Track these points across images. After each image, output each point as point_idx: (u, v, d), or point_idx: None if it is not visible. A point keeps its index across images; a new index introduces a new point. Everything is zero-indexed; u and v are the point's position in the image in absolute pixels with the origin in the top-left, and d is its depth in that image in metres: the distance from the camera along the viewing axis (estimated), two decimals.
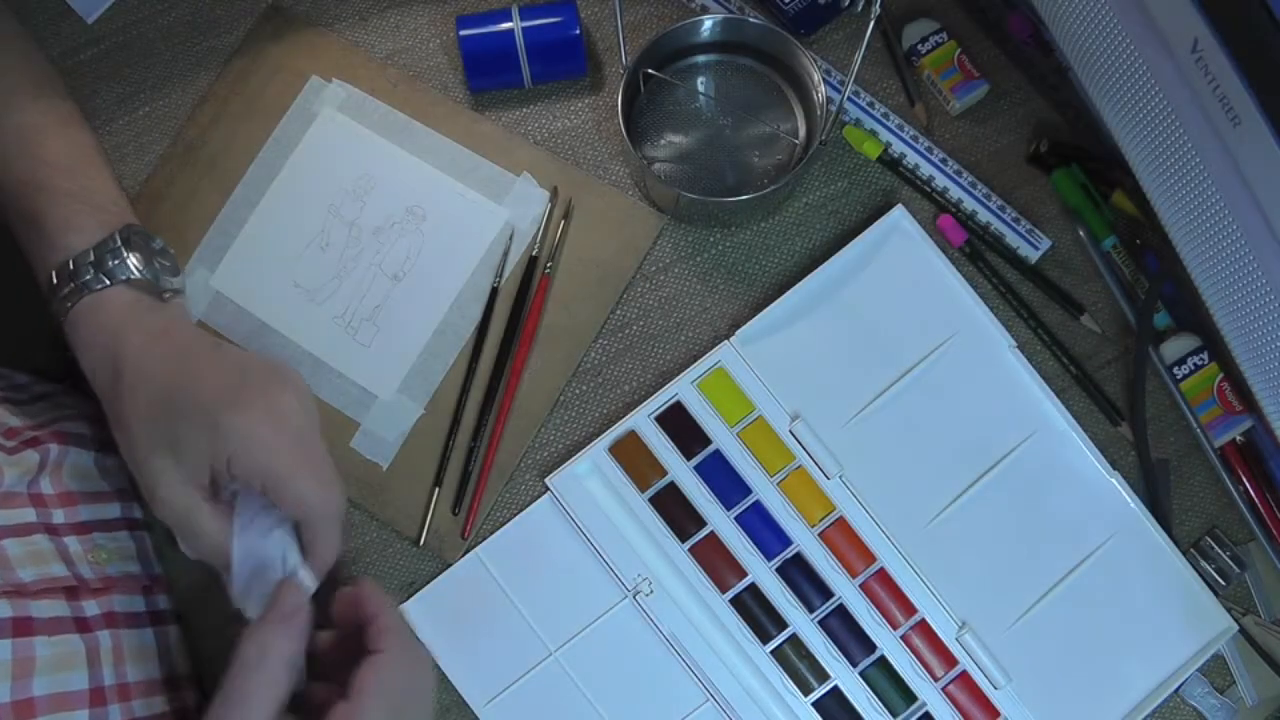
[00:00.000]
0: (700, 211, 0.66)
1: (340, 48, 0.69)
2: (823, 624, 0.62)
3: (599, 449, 0.63)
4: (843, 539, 0.63)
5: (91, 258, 0.56)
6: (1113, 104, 0.57)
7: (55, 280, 0.56)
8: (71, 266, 0.56)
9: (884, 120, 0.68)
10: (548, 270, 0.66)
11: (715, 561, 0.63)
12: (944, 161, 0.67)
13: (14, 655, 0.48)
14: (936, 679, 0.62)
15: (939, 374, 0.65)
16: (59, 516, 0.57)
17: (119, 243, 0.56)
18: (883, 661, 0.62)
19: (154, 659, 0.58)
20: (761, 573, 0.62)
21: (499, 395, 0.65)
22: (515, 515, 0.64)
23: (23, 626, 0.49)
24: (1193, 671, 0.62)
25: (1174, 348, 0.65)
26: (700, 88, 0.68)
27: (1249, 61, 0.46)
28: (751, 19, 0.66)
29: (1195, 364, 0.64)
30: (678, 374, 0.64)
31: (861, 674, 0.62)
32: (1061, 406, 0.64)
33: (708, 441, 0.64)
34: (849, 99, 0.68)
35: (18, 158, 0.59)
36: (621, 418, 0.64)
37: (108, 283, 0.56)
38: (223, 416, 0.51)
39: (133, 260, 0.56)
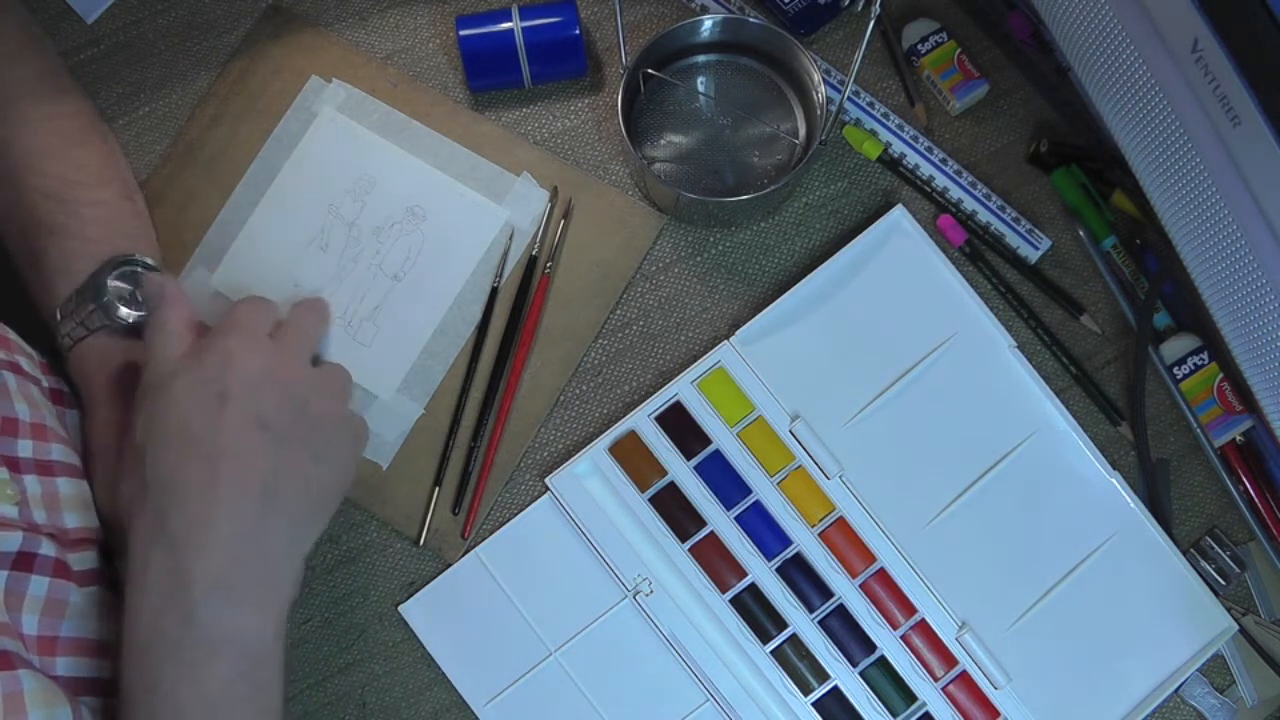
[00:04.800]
0: (700, 211, 0.66)
1: (340, 48, 0.69)
2: (823, 624, 0.62)
3: (599, 449, 0.63)
4: (843, 539, 0.63)
5: (74, 304, 0.57)
6: (1113, 104, 0.57)
7: (53, 327, 0.57)
8: (59, 315, 0.57)
9: (884, 120, 0.68)
10: (548, 270, 0.66)
11: (715, 561, 0.63)
12: (944, 161, 0.67)
13: (49, 594, 0.49)
14: (936, 679, 0.62)
15: (939, 374, 0.65)
16: None
17: (95, 285, 0.57)
18: (883, 661, 0.62)
19: None
20: (761, 573, 0.62)
21: (499, 395, 0.65)
22: (515, 515, 0.64)
23: (62, 569, 0.50)
24: (1193, 671, 0.62)
25: (1174, 348, 0.65)
26: (700, 88, 0.68)
27: (1249, 61, 0.46)
28: (751, 19, 0.66)
29: (1195, 364, 0.64)
30: (678, 374, 0.64)
31: (861, 674, 0.62)
32: (1061, 406, 0.64)
33: (708, 441, 0.64)
34: (849, 99, 0.68)
35: (22, 191, 0.59)
36: (621, 418, 0.64)
37: (85, 333, 0.57)
38: None
39: (110, 302, 0.57)
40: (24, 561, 0.48)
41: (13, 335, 0.56)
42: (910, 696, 0.62)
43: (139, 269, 0.58)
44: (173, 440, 0.49)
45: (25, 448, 0.51)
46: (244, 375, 0.50)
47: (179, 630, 0.46)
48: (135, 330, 0.58)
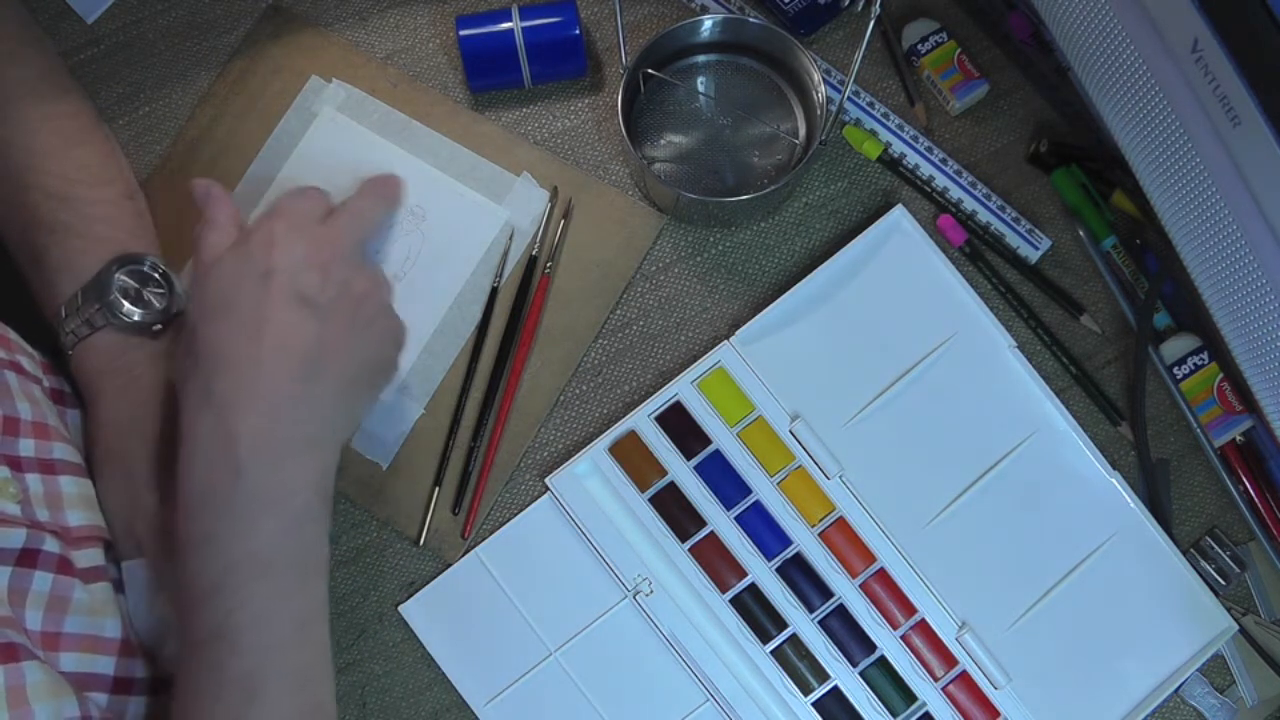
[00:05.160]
0: (700, 211, 0.66)
1: (340, 48, 0.69)
2: (823, 624, 0.62)
3: (599, 449, 0.63)
4: (843, 539, 0.63)
5: (79, 302, 0.57)
6: (1113, 104, 0.57)
7: (56, 324, 0.57)
8: (64, 313, 0.57)
9: (884, 120, 0.68)
10: (548, 270, 0.66)
11: (715, 561, 0.63)
12: (944, 161, 0.67)
13: (52, 591, 0.49)
14: (936, 679, 0.62)
15: (939, 374, 0.65)
16: None
17: (101, 283, 0.57)
18: (883, 661, 0.62)
19: None
20: (761, 573, 0.62)
21: (499, 395, 0.65)
22: (515, 515, 0.64)
23: (65, 566, 0.50)
24: (1193, 671, 0.62)
25: (1174, 348, 0.65)
26: (700, 88, 0.68)
27: (1249, 61, 0.46)
28: (751, 19, 0.66)
29: (1195, 364, 0.64)
30: (678, 374, 0.64)
31: (861, 674, 0.62)
32: (1061, 406, 0.64)
33: (708, 441, 0.64)
34: (849, 99, 0.68)
35: (23, 189, 0.59)
36: (621, 418, 0.64)
37: (90, 330, 0.57)
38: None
39: (115, 300, 0.57)
40: (27, 558, 0.48)
41: (14, 335, 0.56)
42: (910, 696, 0.62)
43: (144, 267, 0.58)
44: (218, 313, 0.51)
45: (27, 447, 0.52)
46: (287, 256, 0.52)
47: (229, 486, 0.48)
48: (139, 328, 0.58)
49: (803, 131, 0.67)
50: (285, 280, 0.52)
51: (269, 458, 0.49)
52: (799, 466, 0.64)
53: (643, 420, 0.64)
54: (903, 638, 0.62)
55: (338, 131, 0.68)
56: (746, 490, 0.63)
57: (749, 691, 0.61)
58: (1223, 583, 0.64)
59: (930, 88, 0.69)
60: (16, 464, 0.51)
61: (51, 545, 0.50)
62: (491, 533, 0.63)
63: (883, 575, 0.63)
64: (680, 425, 0.64)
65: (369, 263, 0.58)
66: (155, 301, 0.58)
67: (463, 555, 0.63)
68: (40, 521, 0.50)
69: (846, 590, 0.62)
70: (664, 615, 0.62)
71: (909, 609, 0.62)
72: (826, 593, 0.62)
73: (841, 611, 0.62)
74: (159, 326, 0.58)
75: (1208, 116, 0.50)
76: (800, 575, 0.63)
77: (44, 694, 0.44)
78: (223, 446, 0.49)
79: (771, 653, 0.62)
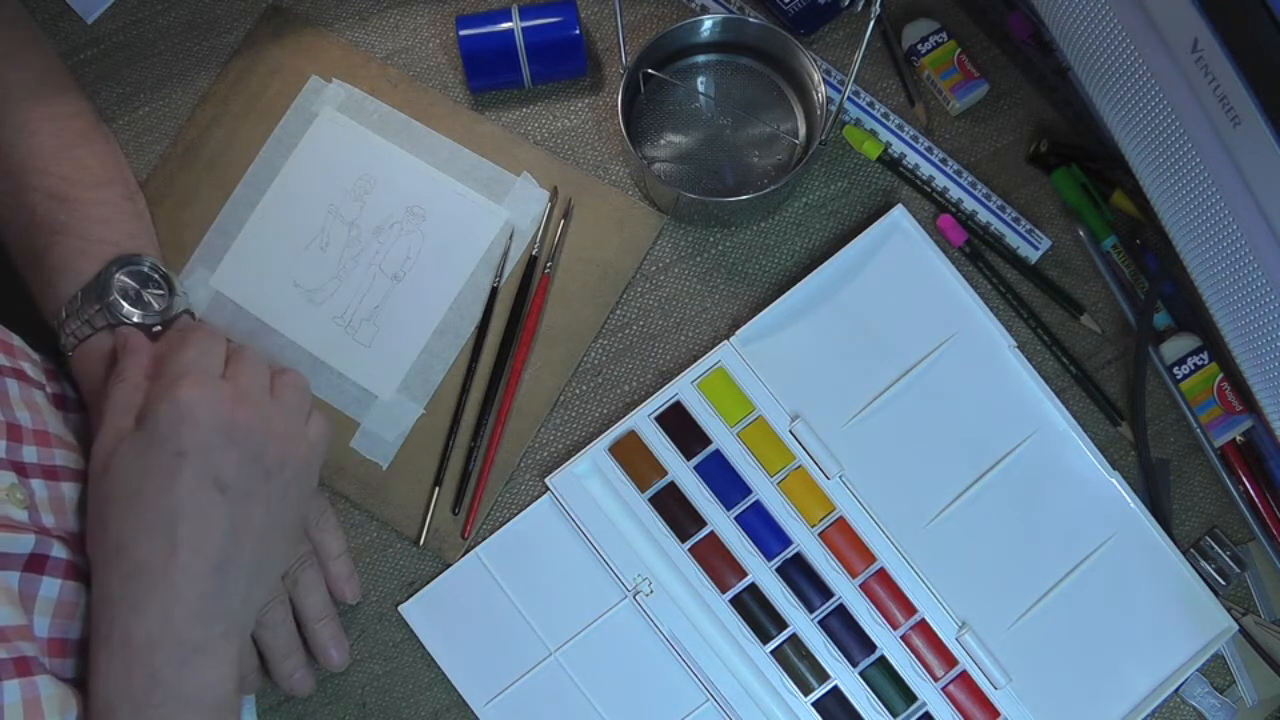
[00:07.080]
0: (700, 211, 0.66)
1: (340, 48, 0.69)
2: (823, 624, 0.62)
3: (599, 449, 0.63)
4: (843, 539, 0.63)
5: (79, 303, 0.57)
6: (1113, 104, 0.57)
7: (56, 326, 0.57)
8: (64, 314, 0.57)
9: (884, 120, 0.68)
10: (548, 270, 0.66)
11: (715, 561, 0.63)
12: (944, 161, 0.67)
13: (60, 596, 0.49)
14: (936, 679, 0.62)
15: (939, 374, 0.65)
16: None
17: (100, 284, 0.57)
18: (883, 661, 0.62)
19: None
20: (761, 573, 0.62)
21: (499, 395, 0.65)
22: (515, 515, 0.64)
23: (73, 571, 0.50)
24: (1193, 671, 0.62)
25: (1174, 348, 0.65)
26: (700, 88, 0.68)
27: (1249, 61, 0.46)
28: (751, 19, 0.66)
29: (1195, 364, 0.64)
30: (678, 374, 0.64)
31: (861, 674, 0.62)
32: (1061, 406, 0.64)
33: (708, 441, 0.64)
34: (849, 99, 0.68)
35: (23, 190, 0.59)
36: (621, 418, 0.64)
37: (90, 331, 0.56)
38: None
39: (115, 301, 0.56)
40: (35, 563, 0.48)
41: (17, 341, 0.56)
42: (910, 696, 0.62)
43: (143, 268, 0.58)
44: (128, 507, 0.48)
45: (30, 453, 0.51)
46: (199, 431, 0.49)
47: (145, 690, 0.46)
48: (139, 329, 0.58)
49: (803, 131, 0.67)
50: (198, 465, 0.48)
51: (187, 658, 0.47)
52: (799, 466, 0.64)
53: (643, 420, 0.64)
54: (903, 638, 0.62)
55: (338, 131, 0.68)
56: (746, 490, 0.63)
57: (749, 691, 0.61)
58: (1223, 583, 0.64)
59: (930, 88, 0.69)
60: (22, 469, 0.50)
61: (59, 551, 0.50)
62: (491, 533, 0.63)
63: (883, 575, 0.63)
64: (680, 425, 0.64)
65: (278, 382, 0.54)
66: (155, 303, 0.58)
67: (463, 555, 0.63)
68: (47, 527, 0.50)
69: (846, 590, 0.62)
70: (664, 615, 0.62)
71: (909, 609, 0.62)
72: (826, 593, 0.62)
73: (841, 611, 0.62)
74: (159, 328, 0.58)
75: (1208, 116, 0.50)
76: (800, 575, 0.63)
77: (56, 707, 0.44)
78: (139, 650, 0.47)
79: (771, 653, 0.62)
